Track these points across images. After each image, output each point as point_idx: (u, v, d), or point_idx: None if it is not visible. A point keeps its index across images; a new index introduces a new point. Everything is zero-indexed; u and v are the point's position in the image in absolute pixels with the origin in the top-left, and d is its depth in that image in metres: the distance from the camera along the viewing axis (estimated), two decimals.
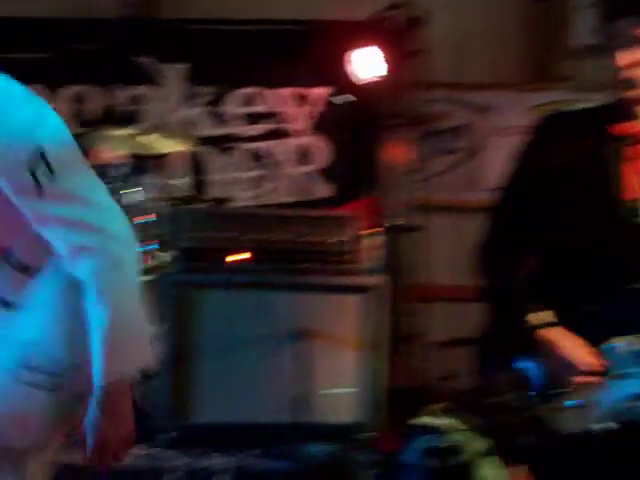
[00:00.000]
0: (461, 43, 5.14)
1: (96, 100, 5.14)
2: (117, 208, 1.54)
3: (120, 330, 1.43)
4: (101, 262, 1.43)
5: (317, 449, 3.16)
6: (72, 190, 1.46)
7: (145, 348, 1.50)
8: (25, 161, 1.41)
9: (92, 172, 1.59)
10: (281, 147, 5.14)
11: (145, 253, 3.77)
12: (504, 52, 5.19)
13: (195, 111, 5.13)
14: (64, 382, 1.48)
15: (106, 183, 4.26)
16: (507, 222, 1.92)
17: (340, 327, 3.36)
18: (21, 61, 4.97)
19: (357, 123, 5.05)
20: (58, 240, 1.45)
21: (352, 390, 3.32)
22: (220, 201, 4.94)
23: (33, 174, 1.41)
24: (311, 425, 3.21)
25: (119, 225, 1.49)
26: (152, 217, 3.87)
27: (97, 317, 1.43)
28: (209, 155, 5.06)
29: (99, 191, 1.53)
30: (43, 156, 1.42)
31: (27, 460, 1.51)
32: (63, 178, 1.45)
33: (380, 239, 3.75)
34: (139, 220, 3.74)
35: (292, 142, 5.15)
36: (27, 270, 1.49)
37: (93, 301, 1.43)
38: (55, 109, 1.55)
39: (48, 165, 1.43)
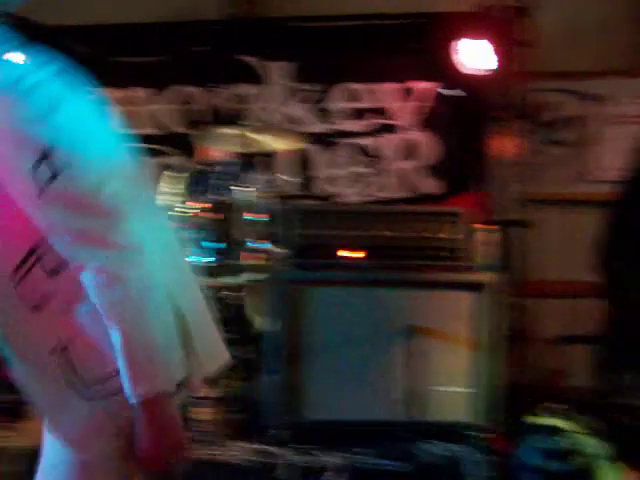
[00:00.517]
0: (571, 31, 4.96)
1: (202, 100, 5.24)
2: (137, 211, 1.38)
3: (133, 348, 1.33)
4: (99, 279, 1.32)
5: (431, 448, 3.12)
6: (76, 194, 1.32)
7: (174, 362, 1.38)
8: (29, 158, 1.31)
9: (114, 165, 1.44)
10: (387, 143, 5.10)
11: (258, 251, 3.82)
12: (615, 39, 4.99)
13: (300, 108, 5.16)
14: (98, 389, 1.41)
15: (216, 181, 4.36)
16: (631, 216, 1.83)
17: (453, 325, 3.30)
18: (130, 65, 5.14)
19: (465, 116, 4.95)
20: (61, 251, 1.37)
21: (466, 389, 3.26)
22: (326, 198, 4.95)
23: (36, 171, 1.31)
24: (425, 424, 3.17)
25: (127, 234, 1.34)
26: (263, 216, 3.91)
27: (112, 334, 1.35)
28: (315, 152, 5.08)
29: (112, 191, 1.36)
30: (49, 153, 1.31)
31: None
32: (69, 179, 1.32)
33: (494, 235, 3.67)
34: (251, 218, 3.78)
35: (398, 137, 5.10)
36: (56, 272, 1.40)
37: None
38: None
39: (53, 163, 1.31)
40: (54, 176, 1.30)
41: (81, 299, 1.38)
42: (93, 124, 1.43)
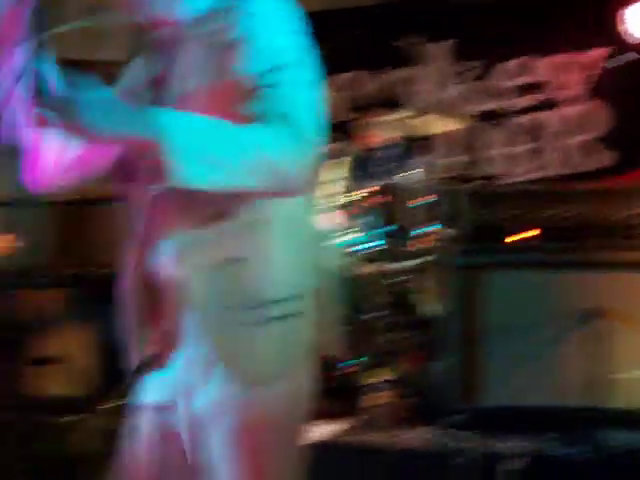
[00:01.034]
0: None
1: (366, 85, 5.26)
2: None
3: None
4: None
5: (616, 436, 2.99)
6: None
7: None
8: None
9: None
10: (554, 117, 4.92)
11: (426, 235, 3.80)
12: None
13: (463, 87, 5.06)
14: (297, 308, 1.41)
15: (380, 166, 4.37)
16: None
17: (634, 306, 3.14)
18: None
19: (637, 84, 4.68)
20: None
21: None
22: (490, 178, 4.84)
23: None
24: (610, 410, 3.04)
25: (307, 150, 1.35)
26: (431, 198, 3.88)
27: None
28: (480, 131, 4.97)
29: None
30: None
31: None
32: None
33: None
34: (417, 202, 3.76)
35: (565, 111, 4.91)
36: (253, 223, 1.41)
37: None
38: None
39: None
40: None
41: None
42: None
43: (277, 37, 1.40)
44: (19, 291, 3.59)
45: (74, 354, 3.60)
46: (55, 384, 3.58)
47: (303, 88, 1.40)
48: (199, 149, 1.25)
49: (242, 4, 1.41)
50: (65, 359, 3.59)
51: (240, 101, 1.35)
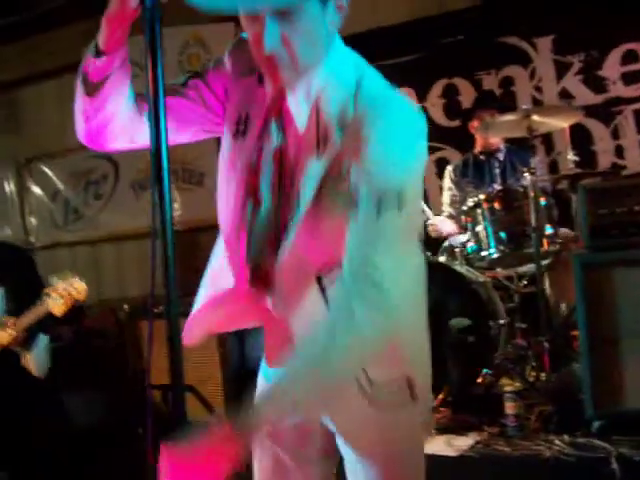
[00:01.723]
0: None
1: (467, 89, 5.18)
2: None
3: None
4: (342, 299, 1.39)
5: None
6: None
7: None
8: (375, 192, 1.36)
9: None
10: None
11: (551, 236, 3.69)
12: None
13: (571, 81, 4.90)
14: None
15: (494, 169, 4.27)
16: None
17: None
18: (395, 66, 5.21)
19: None
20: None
21: None
22: (613, 171, 4.65)
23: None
24: None
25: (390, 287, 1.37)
26: (545, 200, 3.77)
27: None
28: (593, 125, 4.80)
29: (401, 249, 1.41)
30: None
31: None
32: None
33: None
34: (540, 202, 3.66)
35: None
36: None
37: None
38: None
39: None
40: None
41: None
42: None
43: (394, 160, 1.39)
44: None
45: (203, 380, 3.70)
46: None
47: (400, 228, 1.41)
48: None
49: (365, 97, 1.42)
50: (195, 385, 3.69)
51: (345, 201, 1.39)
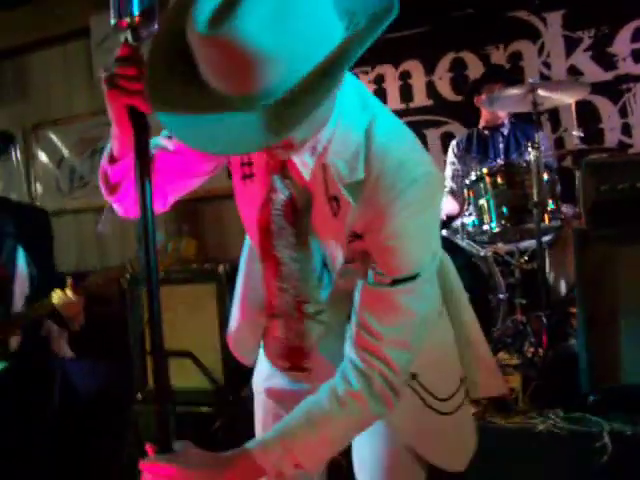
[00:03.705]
0: None
1: (475, 64, 5.14)
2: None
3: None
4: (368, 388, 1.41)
5: None
6: (400, 292, 1.39)
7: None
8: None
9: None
10: None
11: (553, 212, 3.67)
12: None
13: (580, 57, 4.86)
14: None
15: (498, 144, 4.24)
16: None
17: None
18: (402, 39, 5.17)
19: None
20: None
21: None
22: (620, 149, 4.62)
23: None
24: None
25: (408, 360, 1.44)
26: (549, 175, 3.75)
27: None
28: (601, 102, 4.76)
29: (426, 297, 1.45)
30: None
31: None
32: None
33: None
34: (544, 178, 3.64)
35: None
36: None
37: None
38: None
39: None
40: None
41: None
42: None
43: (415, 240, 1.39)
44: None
45: (202, 348, 3.71)
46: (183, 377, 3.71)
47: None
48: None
49: (374, 158, 1.36)
50: (194, 353, 3.70)
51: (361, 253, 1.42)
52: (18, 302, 3.07)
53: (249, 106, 1.19)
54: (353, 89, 1.40)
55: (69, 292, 2.95)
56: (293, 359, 1.62)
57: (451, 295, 1.68)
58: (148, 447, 1.37)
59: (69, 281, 2.99)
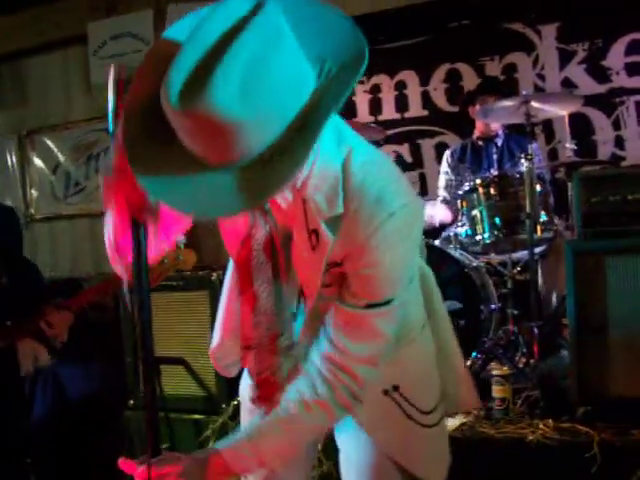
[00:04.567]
0: None
1: (470, 75, 5.17)
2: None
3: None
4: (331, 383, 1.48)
5: None
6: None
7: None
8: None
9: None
10: None
11: (545, 223, 3.69)
12: None
13: (574, 70, 4.89)
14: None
15: (492, 155, 4.26)
16: None
17: None
18: (397, 50, 5.21)
19: None
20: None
21: None
22: (613, 161, 4.65)
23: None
24: None
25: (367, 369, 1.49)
26: (542, 187, 3.77)
27: None
28: (595, 114, 4.79)
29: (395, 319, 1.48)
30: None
31: None
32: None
33: None
34: (536, 189, 3.66)
35: None
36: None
37: None
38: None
39: None
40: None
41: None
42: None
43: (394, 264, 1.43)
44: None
45: (195, 355, 3.72)
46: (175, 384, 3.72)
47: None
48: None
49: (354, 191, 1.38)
50: (187, 359, 3.71)
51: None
52: None
53: (228, 170, 1.21)
54: (329, 122, 1.37)
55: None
56: (264, 391, 1.64)
57: (432, 308, 1.72)
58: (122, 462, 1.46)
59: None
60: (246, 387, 1.79)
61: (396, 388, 1.61)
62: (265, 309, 1.56)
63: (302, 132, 1.20)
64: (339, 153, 1.39)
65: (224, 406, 3.57)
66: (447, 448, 1.75)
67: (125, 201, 1.36)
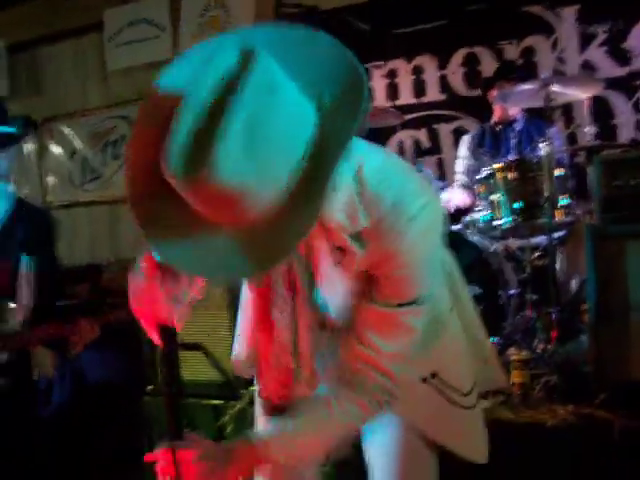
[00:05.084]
0: None
1: (488, 59, 5.12)
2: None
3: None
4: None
5: None
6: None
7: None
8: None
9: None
10: None
11: (566, 207, 3.66)
12: None
13: (594, 53, 4.83)
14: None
15: (510, 139, 4.23)
16: None
17: None
18: (414, 34, 5.16)
19: None
20: None
21: None
22: (634, 145, 4.59)
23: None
24: None
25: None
26: (561, 171, 3.74)
27: None
28: (615, 97, 4.73)
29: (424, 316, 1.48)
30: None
31: None
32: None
33: None
34: (556, 174, 3.63)
35: None
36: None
37: None
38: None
39: None
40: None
41: None
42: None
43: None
44: None
45: (213, 340, 3.72)
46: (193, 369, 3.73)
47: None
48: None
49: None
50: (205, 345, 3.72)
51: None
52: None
53: (236, 233, 1.19)
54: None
55: None
56: (278, 410, 1.66)
57: (456, 293, 1.73)
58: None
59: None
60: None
61: (434, 375, 1.64)
62: (282, 341, 1.57)
63: (313, 181, 1.18)
64: (349, 168, 1.36)
65: (242, 391, 3.57)
66: (484, 429, 1.78)
67: (151, 313, 1.43)
